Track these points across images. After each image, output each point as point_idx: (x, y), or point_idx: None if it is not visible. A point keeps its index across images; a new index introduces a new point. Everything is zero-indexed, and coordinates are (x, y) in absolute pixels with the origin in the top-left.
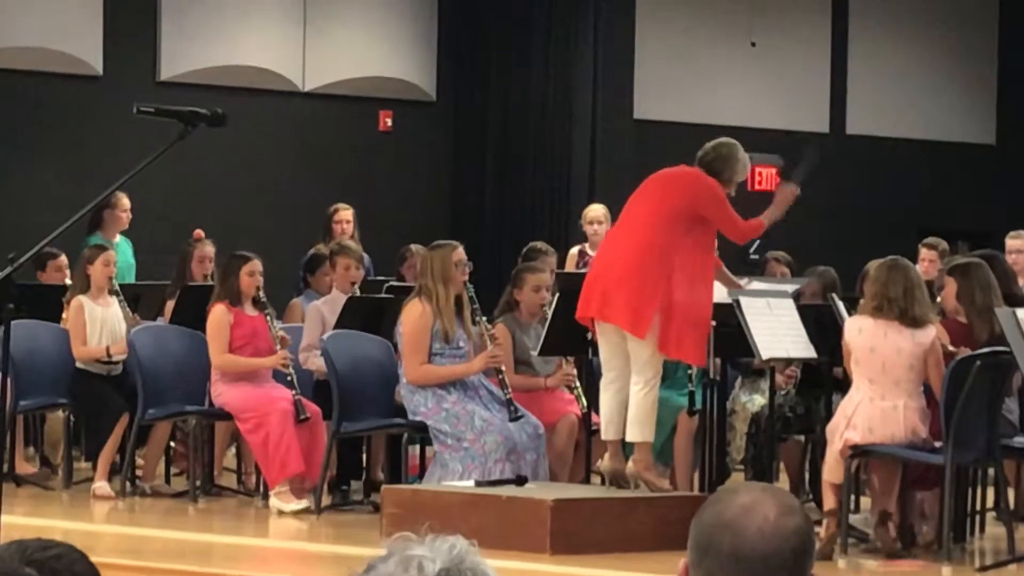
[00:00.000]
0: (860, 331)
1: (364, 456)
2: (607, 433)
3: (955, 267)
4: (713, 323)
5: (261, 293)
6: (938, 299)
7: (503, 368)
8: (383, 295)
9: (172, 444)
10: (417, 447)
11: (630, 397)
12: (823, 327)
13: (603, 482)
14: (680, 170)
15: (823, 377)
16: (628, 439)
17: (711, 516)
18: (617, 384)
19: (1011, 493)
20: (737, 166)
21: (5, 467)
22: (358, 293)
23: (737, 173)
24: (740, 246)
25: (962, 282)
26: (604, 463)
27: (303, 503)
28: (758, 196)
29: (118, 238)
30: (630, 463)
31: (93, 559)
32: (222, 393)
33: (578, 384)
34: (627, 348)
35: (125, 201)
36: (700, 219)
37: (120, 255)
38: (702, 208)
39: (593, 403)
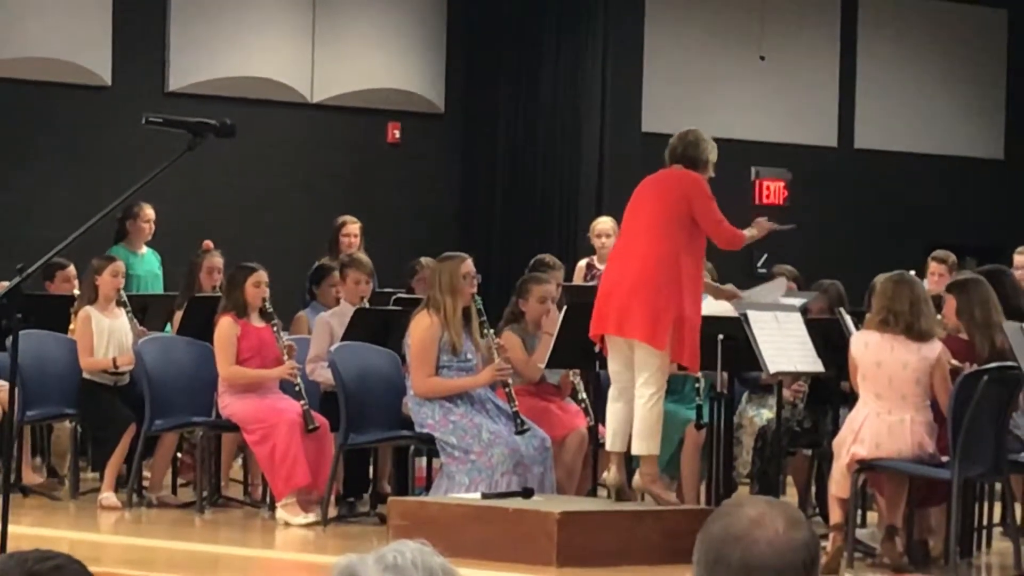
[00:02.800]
0: (866, 345)
1: (371, 468)
2: (613, 445)
3: (953, 284)
4: (720, 336)
5: (267, 304)
6: (938, 316)
7: (510, 381)
8: (391, 307)
9: (179, 455)
10: (424, 459)
11: (636, 410)
12: (830, 341)
13: (609, 495)
14: (667, 172)
15: (830, 391)
16: (634, 452)
17: (719, 529)
18: (627, 395)
19: (1018, 508)
20: (707, 146)
21: (12, 477)
22: (366, 305)
23: (710, 152)
24: (724, 251)
25: (960, 298)
26: (609, 476)
27: (310, 516)
28: (766, 209)
29: (144, 249)
30: (636, 477)
31: (99, 570)
32: (229, 404)
33: (585, 396)
34: (629, 371)
35: (149, 212)
36: (693, 221)
37: (146, 266)
38: (692, 205)
39: (600, 416)
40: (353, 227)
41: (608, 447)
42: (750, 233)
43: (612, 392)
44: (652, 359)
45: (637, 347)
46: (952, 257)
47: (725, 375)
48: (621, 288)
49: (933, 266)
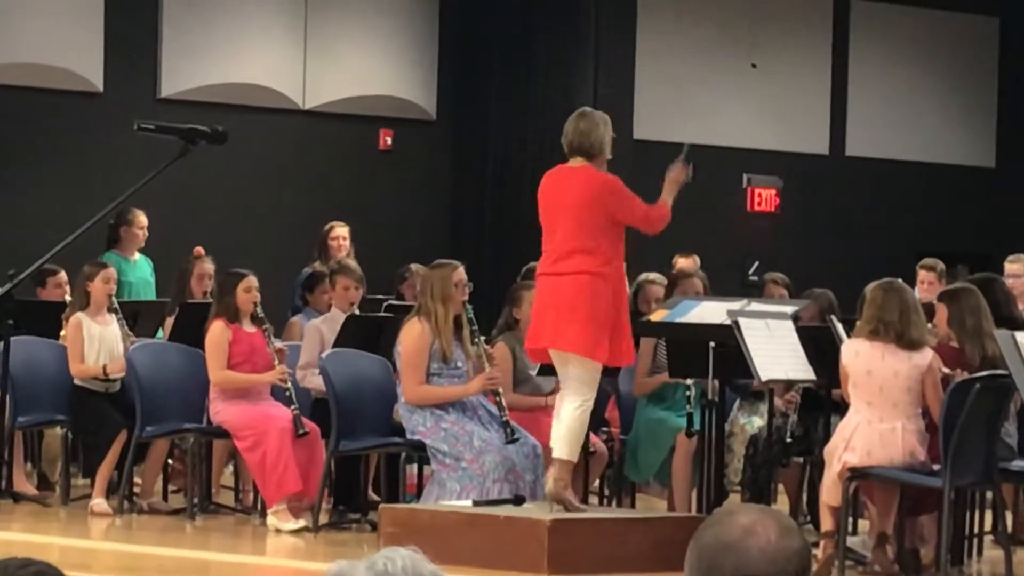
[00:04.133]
0: (857, 354)
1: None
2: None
3: (944, 293)
4: (711, 344)
5: (259, 309)
6: (930, 324)
7: (501, 390)
8: (382, 314)
9: (170, 461)
10: (415, 466)
11: (562, 414)
12: (821, 349)
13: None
14: (574, 173)
15: (822, 399)
16: (555, 455)
17: (712, 538)
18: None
19: (1009, 517)
20: (600, 130)
21: (3, 483)
22: (356, 312)
23: (605, 136)
24: (651, 236)
25: (951, 307)
26: (550, 486)
27: (300, 522)
28: (757, 216)
29: (137, 256)
30: (549, 482)
31: None
32: (220, 411)
33: None
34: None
35: (142, 218)
36: (613, 223)
37: (138, 272)
38: (612, 211)
39: (592, 424)
40: (341, 231)
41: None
42: (667, 196)
43: (560, 397)
44: (584, 371)
45: (571, 357)
46: (941, 265)
47: (716, 383)
48: (558, 303)
49: (922, 274)
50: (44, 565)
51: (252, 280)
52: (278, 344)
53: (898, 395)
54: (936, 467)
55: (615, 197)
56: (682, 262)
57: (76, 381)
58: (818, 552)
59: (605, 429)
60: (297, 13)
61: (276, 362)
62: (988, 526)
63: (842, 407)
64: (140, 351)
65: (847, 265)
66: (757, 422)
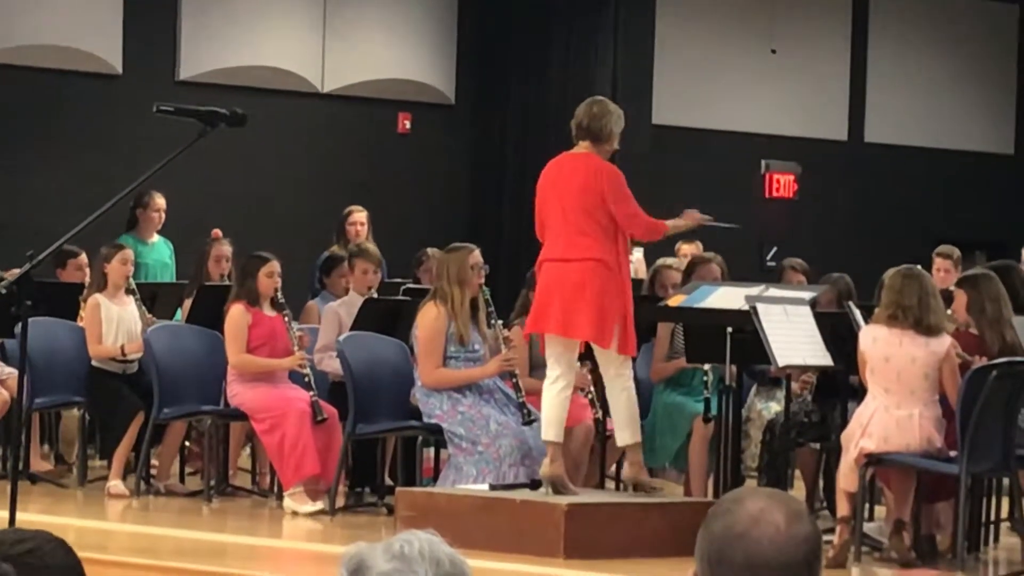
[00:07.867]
0: (875, 340)
1: (387, 459)
2: (548, 434)
3: (964, 279)
4: (729, 329)
5: (279, 294)
6: (949, 311)
7: (517, 371)
8: (400, 297)
9: (187, 444)
10: (432, 450)
11: (620, 398)
12: (839, 335)
13: (552, 488)
14: (579, 161)
15: (839, 385)
16: (621, 443)
17: (721, 528)
18: (562, 383)
19: None
20: (610, 118)
21: (20, 464)
22: (374, 295)
23: (614, 124)
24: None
25: (972, 294)
26: (546, 469)
27: (317, 504)
28: (775, 202)
29: (156, 238)
30: (626, 467)
31: (106, 557)
32: (238, 393)
33: (592, 389)
34: (571, 352)
35: (159, 201)
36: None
37: (155, 255)
38: (609, 202)
39: (608, 409)
40: (360, 216)
41: (544, 436)
42: (674, 223)
43: (548, 379)
44: (611, 353)
45: (575, 344)
46: (957, 252)
47: (733, 368)
48: (564, 288)
49: (938, 262)
50: (40, 539)
51: (275, 265)
52: (298, 331)
53: (915, 381)
54: (953, 454)
55: (612, 186)
56: (686, 248)
57: (94, 363)
58: (834, 538)
59: None
60: None
61: (296, 348)
62: (1005, 513)
63: (860, 393)
64: (158, 333)
65: (865, 251)
66: (774, 408)
